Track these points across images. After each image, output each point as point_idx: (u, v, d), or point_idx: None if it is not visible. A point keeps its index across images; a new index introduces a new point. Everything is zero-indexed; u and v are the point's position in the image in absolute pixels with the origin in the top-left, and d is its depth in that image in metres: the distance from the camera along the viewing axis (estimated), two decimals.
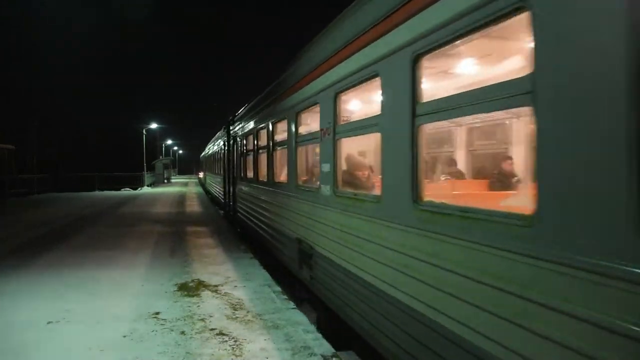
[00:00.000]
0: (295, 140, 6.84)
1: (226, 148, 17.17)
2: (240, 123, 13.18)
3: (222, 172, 19.80)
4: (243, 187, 12.51)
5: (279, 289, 7.63)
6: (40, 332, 5.72)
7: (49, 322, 6.06)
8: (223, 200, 19.39)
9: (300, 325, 5.88)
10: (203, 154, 44.56)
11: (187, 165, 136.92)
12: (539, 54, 2.27)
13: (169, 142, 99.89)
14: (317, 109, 5.75)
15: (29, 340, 5.46)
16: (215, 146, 26.53)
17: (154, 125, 55.76)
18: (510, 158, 5.69)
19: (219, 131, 24.23)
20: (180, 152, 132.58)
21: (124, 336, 5.55)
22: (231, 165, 15.43)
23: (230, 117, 15.90)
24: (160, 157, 67.24)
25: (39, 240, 12.88)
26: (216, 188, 25.91)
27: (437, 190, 4.96)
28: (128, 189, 40.26)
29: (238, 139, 13.63)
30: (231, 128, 15.55)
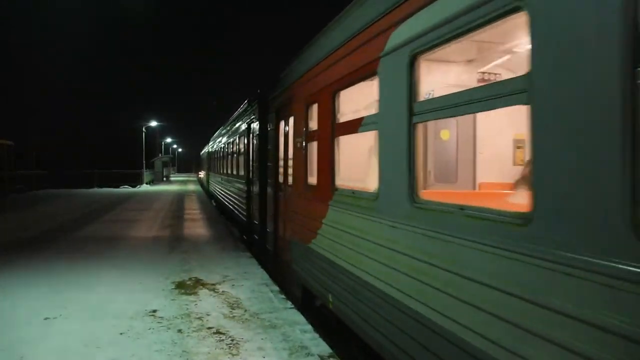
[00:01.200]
0: None
1: (255, 135, 10.68)
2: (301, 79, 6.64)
3: (242, 172, 12.98)
4: (313, 206, 5.89)
5: (276, 288, 7.62)
6: (37, 329, 5.71)
7: (45, 319, 6.05)
8: (245, 218, 12.25)
9: (298, 324, 5.87)
10: (205, 150, 35.86)
11: (187, 164, 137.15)
12: None
13: (169, 140, 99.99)
14: None
15: (25, 336, 5.45)
16: (227, 136, 17.30)
17: (153, 123, 55.70)
18: None
19: (229, 120, 17.00)
20: (180, 150, 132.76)
21: (121, 333, 5.54)
22: (267, 161, 9.29)
23: (259, 88, 10.22)
24: (160, 155, 67.23)
25: None
26: (227, 194, 17.40)
27: None
28: (127, 186, 40.24)
29: (290, 112, 7.35)
30: (271, 97, 9.04)
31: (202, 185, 44.10)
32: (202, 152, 43.12)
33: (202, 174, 47.16)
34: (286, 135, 7.81)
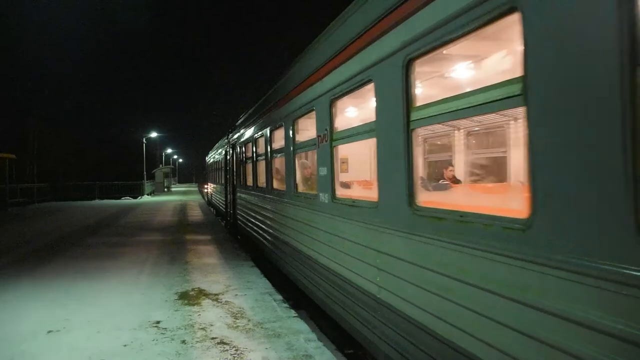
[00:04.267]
0: None
1: None
2: None
3: None
4: None
5: (280, 297, 7.61)
6: (41, 342, 5.70)
7: (49, 332, 6.05)
8: None
9: (302, 333, 5.86)
10: (220, 149, 21.02)
11: (187, 174, 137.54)
12: None
13: (169, 150, 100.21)
14: None
15: (29, 349, 5.44)
16: None
17: (154, 134, 55.88)
18: None
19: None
20: (180, 160, 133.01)
21: (125, 345, 5.53)
22: None
23: None
24: (160, 166, 67.32)
25: None
26: None
27: None
28: (128, 197, 40.24)
29: None
30: None
31: (210, 202, 29.88)
32: (210, 155, 29.17)
33: (209, 188, 30.50)
34: None
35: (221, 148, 20.23)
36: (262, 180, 10.01)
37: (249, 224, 11.76)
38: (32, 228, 18.62)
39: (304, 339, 5.67)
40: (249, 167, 11.72)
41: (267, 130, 8.96)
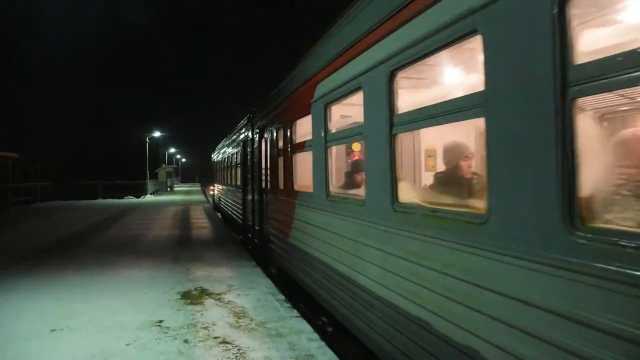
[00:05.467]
0: None
1: None
2: None
3: None
4: None
5: (282, 297, 7.62)
6: (44, 340, 5.72)
7: (52, 330, 6.07)
8: None
9: (304, 333, 5.87)
10: (226, 145, 19.01)
11: (190, 174, 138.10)
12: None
13: (172, 150, 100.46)
14: None
15: (32, 348, 5.47)
16: None
17: (157, 134, 55.95)
18: None
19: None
20: (183, 160, 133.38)
21: (128, 344, 5.54)
22: None
23: None
24: (163, 165, 67.44)
25: None
26: None
27: None
28: (131, 197, 40.33)
29: None
30: None
31: (217, 207, 25.32)
32: (217, 151, 24.68)
33: (216, 190, 26.47)
34: None
35: (234, 142, 15.65)
36: (337, 181, 5.92)
37: (307, 268, 6.46)
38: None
39: (306, 338, 5.68)
40: (299, 160, 7.20)
41: (380, 79, 3.96)
